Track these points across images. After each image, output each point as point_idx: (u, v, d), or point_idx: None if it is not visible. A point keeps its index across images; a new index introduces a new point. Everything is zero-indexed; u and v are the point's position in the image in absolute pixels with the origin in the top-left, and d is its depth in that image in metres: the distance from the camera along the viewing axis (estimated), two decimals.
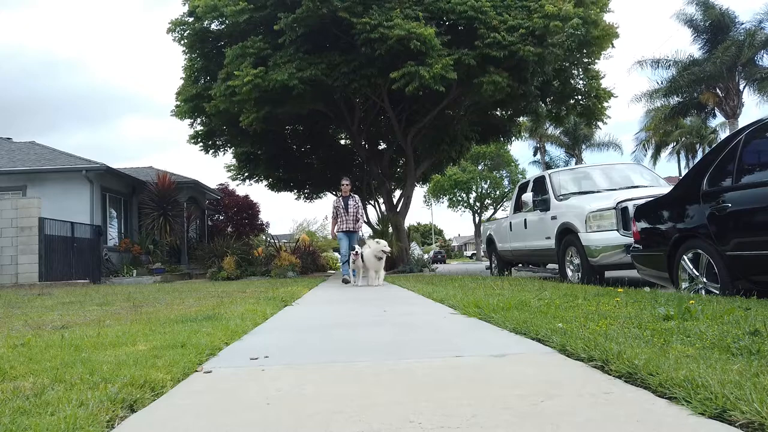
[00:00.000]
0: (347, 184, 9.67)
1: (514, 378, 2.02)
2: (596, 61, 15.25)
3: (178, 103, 15.76)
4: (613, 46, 14.50)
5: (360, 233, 9.83)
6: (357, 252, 8.78)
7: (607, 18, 13.97)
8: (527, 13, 12.25)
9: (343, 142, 21.55)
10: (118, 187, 17.44)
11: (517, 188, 10.34)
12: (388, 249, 8.66)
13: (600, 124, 16.95)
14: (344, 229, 9.57)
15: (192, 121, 16.70)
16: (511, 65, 12.52)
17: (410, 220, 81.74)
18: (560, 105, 16.47)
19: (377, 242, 8.62)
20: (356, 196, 9.79)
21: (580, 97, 16.11)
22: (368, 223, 20.64)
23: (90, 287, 11.54)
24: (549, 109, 16.89)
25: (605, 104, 15.85)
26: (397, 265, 15.57)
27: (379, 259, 8.51)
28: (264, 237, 20.07)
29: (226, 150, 18.89)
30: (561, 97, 16.03)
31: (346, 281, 9.40)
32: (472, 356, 2.43)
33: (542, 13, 11.83)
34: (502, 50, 12.04)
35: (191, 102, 15.12)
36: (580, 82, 15.99)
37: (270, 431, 1.52)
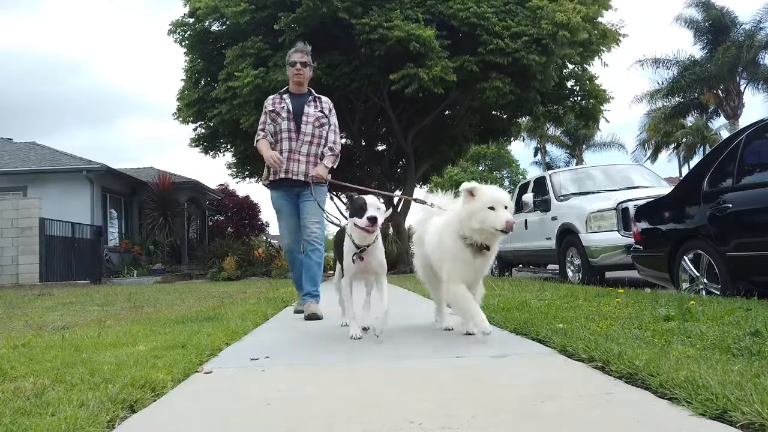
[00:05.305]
0: (303, 62, 4.32)
1: (514, 379, 2.02)
2: (595, 58, 15.23)
3: (180, 106, 15.76)
4: (609, 50, 14.52)
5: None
6: (375, 221, 2.84)
7: (608, 17, 14.03)
8: (532, 21, 12.24)
9: (343, 141, 21.58)
10: (118, 188, 17.46)
11: (517, 189, 10.34)
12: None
13: (599, 125, 16.97)
14: (285, 173, 4.20)
15: (196, 126, 16.69)
16: (514, 71, 12.52)
17: (410, 220, 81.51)
18: (558, 105, 16.49)
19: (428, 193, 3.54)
20: (324, 98, 4.43)
21: (579, 98, 16.13)
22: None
23: (90, 288, 11.55)
24: (547, 110, 16.92)
25: (603, 106, 15.86)
26: (397, 265, 15.60)
27: (485, 248, 2.83)
28: (264, 237, 20.13)
29: (227, 152, 18.91)
30: (558, 98, 16.06)
31: (306, 315, 4.10)
32: (473, 356, 2.43)
33: (550, 20, 11.79)
34: (505, 57, 12.04)
35: (194, 107, 15.11)
36: (575, 83, 16.02)
37: None
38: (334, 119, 4.40)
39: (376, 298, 3.27)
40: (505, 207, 2.74)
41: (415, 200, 3.50)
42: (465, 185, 2.81)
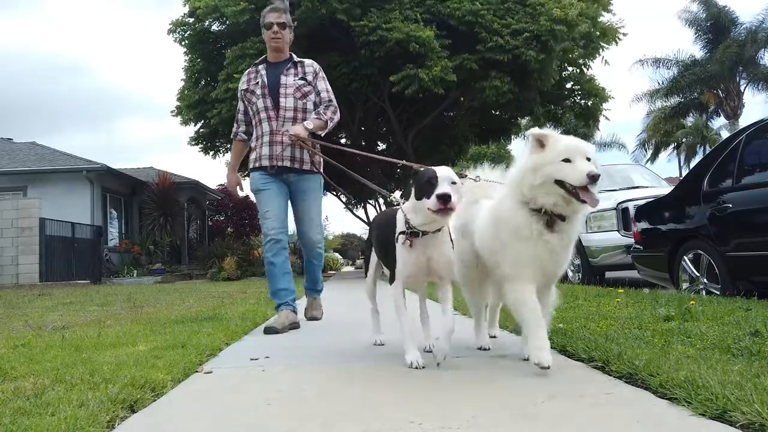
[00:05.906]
0: (281, 23, 3.59)
1: (514, 379, 2.02)
2: (596, 56, 15.22)
3: (179, 105, 15.75)
4: (607, 48, 14.52)
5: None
6: (449, 201, 1.94)
7: (608, 18, 14.03)
8: (531, 18, 12.26)
9: (343, 141, 21.58)
10: (118, 188, 17.46)
11: None
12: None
13: (599, 124, 16.96)
14: (269, 160, 3.59)
15: (198, 128, 16.68)
16: (513, 69, 12.53)
17: None
18: (557, 105, 16.51)
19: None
20: (307, 61, 3.72)
21: (578, 97, 16.14)
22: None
23: (90, 288, 11.56)
24: (547, 110, 16.94)
25: (603, 105, 15.88)
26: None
27: (558, 219, 2.03)
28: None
29: (227, 151, 18.91)
30: (557, 98, 16.07)
31: (308, 316, 4.09)
32: (473, 356, 2.43)
33: (549, 16, 11.80)
34: (505, 54, 12.04)
35: (195, 108, 15.10)
36: (574, 83, 16.03)
37: None
38: (322, 84, 3.63)
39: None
40: (588, 159, 1.92)
41: (459, 175, 2.35)
42: (533, 130, 2.03)
